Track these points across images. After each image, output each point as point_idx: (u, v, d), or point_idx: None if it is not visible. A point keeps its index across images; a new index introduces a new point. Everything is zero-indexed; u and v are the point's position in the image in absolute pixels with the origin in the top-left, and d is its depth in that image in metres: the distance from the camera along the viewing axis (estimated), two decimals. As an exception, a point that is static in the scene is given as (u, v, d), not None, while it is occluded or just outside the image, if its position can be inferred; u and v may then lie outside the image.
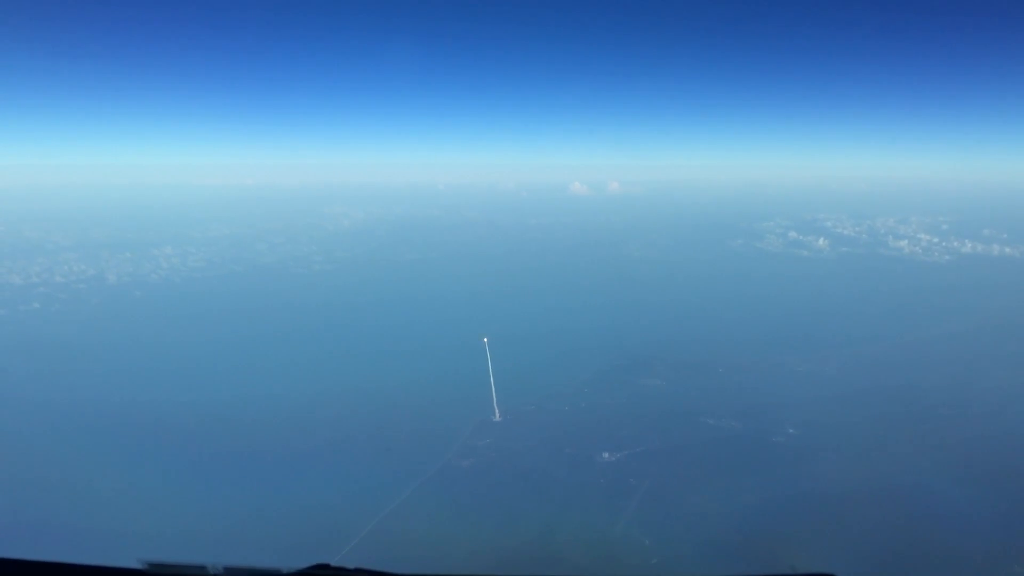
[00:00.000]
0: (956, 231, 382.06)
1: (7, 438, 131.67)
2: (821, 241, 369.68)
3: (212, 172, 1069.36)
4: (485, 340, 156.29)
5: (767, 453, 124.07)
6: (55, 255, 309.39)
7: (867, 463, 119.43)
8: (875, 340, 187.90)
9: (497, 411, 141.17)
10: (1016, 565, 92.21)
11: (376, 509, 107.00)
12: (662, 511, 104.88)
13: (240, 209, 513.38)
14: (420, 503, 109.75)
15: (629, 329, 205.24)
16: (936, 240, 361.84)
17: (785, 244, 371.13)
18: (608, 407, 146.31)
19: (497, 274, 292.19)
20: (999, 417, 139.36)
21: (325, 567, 9.38)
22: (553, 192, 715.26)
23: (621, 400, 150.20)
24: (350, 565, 9.50)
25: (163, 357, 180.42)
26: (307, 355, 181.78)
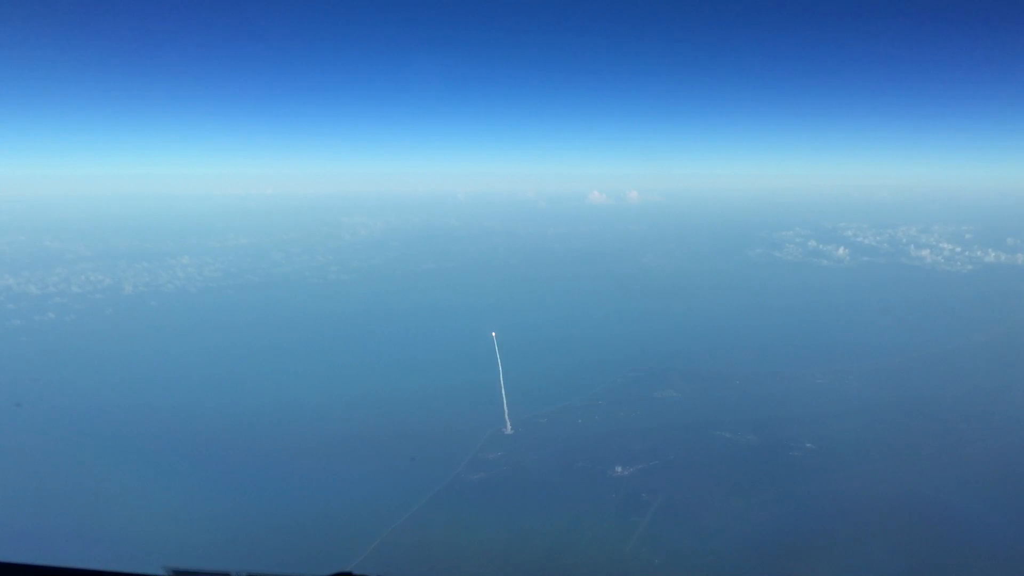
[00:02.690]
0: (979, 240, 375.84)
1: (25, 447, 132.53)
2: (841, 250, 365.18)
3: (234, 182, 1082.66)
4: (494, 335, 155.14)
5: (784, 468, 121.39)
6: (74, 265, 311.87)
7: (887, 479, 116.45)
8: (896, 351, 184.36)
9: (509, 423, 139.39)
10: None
11: (385, 522, 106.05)
12: (675, 528, 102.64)
13: (259, 219, 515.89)
14: (430, 517, 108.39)
15: (645, 339, 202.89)
16: (959, 249, 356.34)
17: (804, 253, 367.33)
18: (622, 419, 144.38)
19: (513, 283, 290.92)
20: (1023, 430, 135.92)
21: None
22: (572, 201, 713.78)
23: (636, 412, 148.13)
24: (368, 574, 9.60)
25: (171, 366, 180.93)
26: (319, 365, 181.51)
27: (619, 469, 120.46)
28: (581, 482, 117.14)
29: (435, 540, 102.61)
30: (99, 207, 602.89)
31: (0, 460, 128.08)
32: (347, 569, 9.93)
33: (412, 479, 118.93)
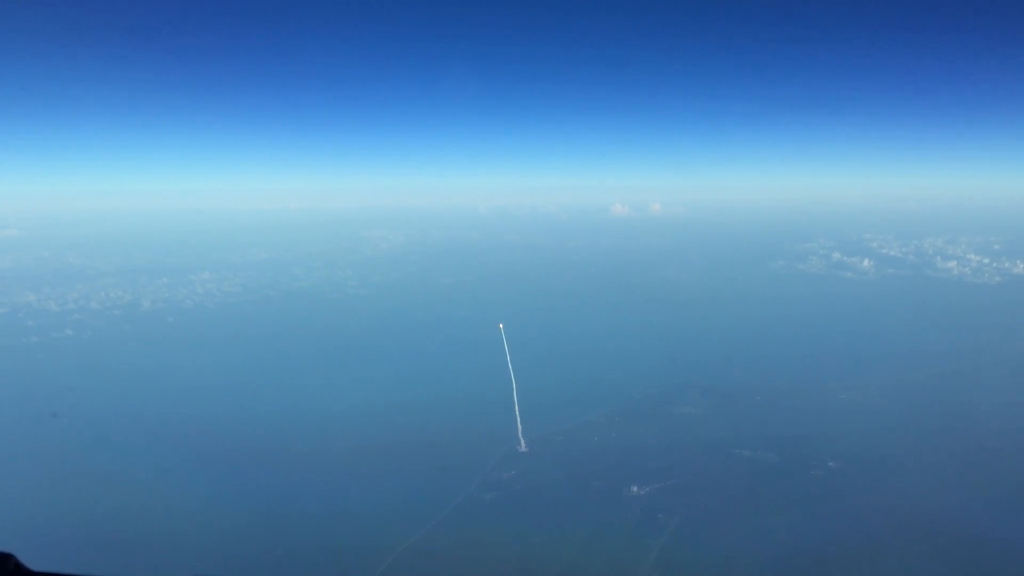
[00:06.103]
0: (1007, 251, 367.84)
1: (58, 457, 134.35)
2: (866, 262, 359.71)
3: (257, 197, 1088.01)
4: (501, 327, 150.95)
5: (805, 488, 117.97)
6: (94, 281, 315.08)
7: (913, 498, 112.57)
8: (921, 366, 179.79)
9: (523, 441, 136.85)
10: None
11: (399, 539, 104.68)
12: (691, 550, 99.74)
13: (281, 233, 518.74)
14: (443, 535, 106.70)
15: (664, 354, 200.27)
16: (986, 261, 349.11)
17: (828, 265, 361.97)
18: (639, 437, 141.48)
19: (532, 297, 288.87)
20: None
21: None
22: (594, 214, 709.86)
23: (653, 429, 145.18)
24: None
25: (186, 380, 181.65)
26: (334, 380, 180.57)
27: (635, 489, 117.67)
28: (596, 502, 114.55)
29: (448, 558, 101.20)
30: (123, 223, 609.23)
31: (32, 469, 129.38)
32: None
33: (426, 496, 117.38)
